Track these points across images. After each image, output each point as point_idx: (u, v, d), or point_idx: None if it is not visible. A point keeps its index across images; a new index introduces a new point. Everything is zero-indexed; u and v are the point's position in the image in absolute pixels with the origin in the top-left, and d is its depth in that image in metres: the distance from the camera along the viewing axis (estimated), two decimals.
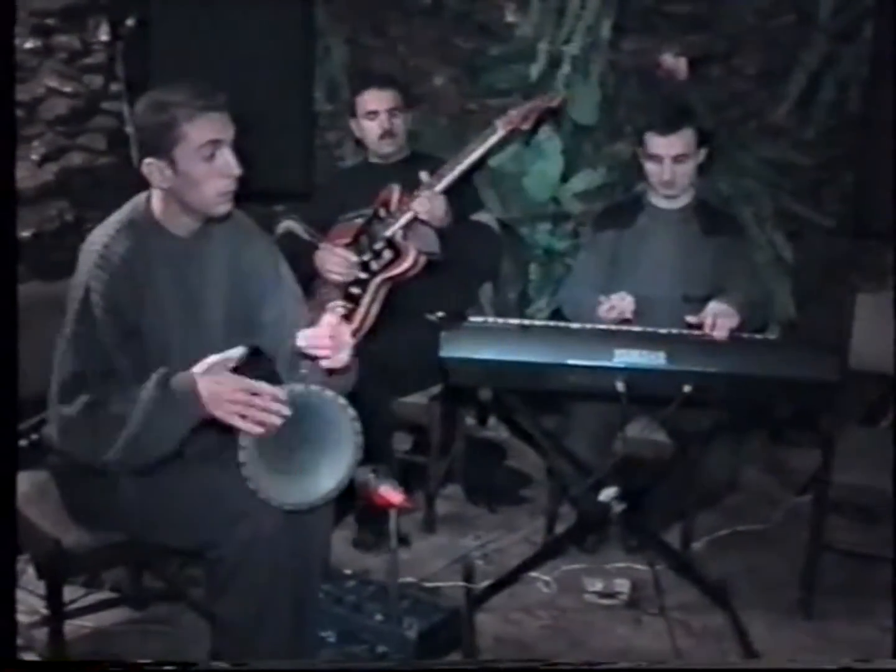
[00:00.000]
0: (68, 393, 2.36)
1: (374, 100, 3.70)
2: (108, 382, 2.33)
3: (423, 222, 3.51)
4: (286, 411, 2.27)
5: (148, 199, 2.48)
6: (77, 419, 2.33)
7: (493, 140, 3.50)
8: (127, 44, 3.78)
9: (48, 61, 3.71)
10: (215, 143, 2.37)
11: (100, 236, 2.43)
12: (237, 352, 2.34)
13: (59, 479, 2.58)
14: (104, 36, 3.81)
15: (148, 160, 2.39)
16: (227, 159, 2.39)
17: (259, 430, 2.26)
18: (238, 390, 2.27)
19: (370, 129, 3.72)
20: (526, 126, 3.53)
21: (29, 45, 3.62)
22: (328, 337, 2.41)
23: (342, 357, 2.42)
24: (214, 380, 2.29)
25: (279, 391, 2.29)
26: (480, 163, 3.62)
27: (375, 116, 3.70)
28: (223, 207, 2.45)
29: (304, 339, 2.42)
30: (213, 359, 2.32)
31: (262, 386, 2.29)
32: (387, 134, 3.70)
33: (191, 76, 3.64)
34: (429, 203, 3.47)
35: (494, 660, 2.92)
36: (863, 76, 4.09)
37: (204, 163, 2.37)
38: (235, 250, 2.57)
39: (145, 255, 2.43)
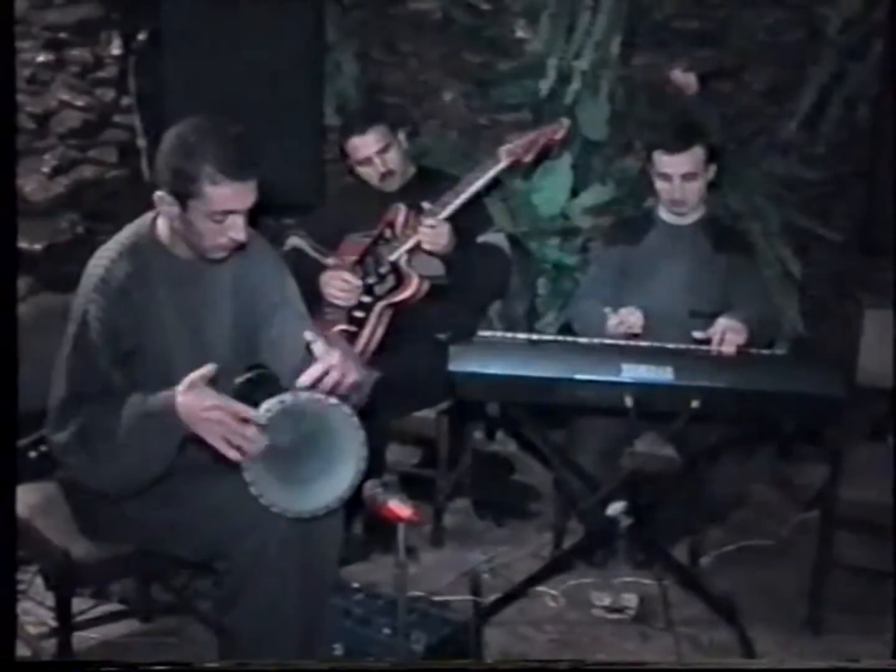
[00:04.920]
0: (59, 420, 2.35)
1: (361, 146, 3.60)
2: (101, 406, 2.31)
3: (426, 252, 3.50)
4: (262, 442, 2.22)
5: (153, 220, 2.46)
6: (70, 444, 2.33)
7: (495, 170, 3.47)
8: (139, 58, 3.80)
9: (60, 75, 3.71)
10: (230, 212, 2.34)
11: (101, 258, 2.42)
12: (210, 367, 2.27)
13: (67, 490, 2.58)
14: (116, 50, 3.82)
15: (161, 193, 2.36)
16: (237, 225, 2.35)
17: (235, 454, 2.22)
18: (213, 407, 2.22)
19: (368, 175, 3.65)
20: (528, 158, 3.49)
21: (41, 58, 3.63)
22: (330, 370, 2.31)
23: (352, 377, 2.33)
24: (192, 394, 2.23)
25: (255, 416, 2.23)
26: (484, 191, 3.58)
27: (369, 162, 3.62)
28: (217, 255, 2.43)
29: (309, 378, 2.31)
30: (192, 375, 2.25)
31: (239, 407, 2.23)
32: (385, 175, 3.62)
33: (202, 90, 3.70)
34: (431, 232, 3.44)
35: (487, 662, 2.92)
36: (872, 92, 4.10)
37: (213, 223, 2.34)
38: (241, 270, 2.54)
39: (147, 279, 2.41)
